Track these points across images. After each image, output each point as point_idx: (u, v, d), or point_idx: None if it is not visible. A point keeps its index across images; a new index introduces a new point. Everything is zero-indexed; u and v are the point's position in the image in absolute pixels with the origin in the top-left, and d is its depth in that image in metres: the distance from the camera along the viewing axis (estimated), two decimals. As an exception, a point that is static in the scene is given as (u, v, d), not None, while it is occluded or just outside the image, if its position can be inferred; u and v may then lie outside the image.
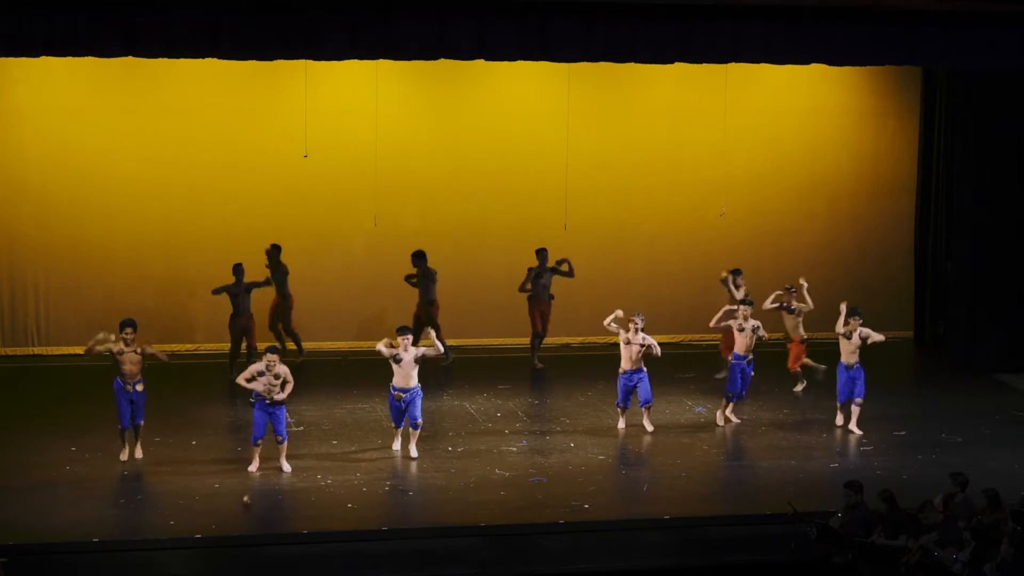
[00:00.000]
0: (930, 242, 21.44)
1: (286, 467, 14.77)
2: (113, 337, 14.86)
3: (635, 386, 16.15)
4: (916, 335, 21.41)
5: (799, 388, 17.86)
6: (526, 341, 19.52)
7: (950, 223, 20.79)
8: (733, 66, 16.94)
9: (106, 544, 12.79)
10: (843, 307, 16.39)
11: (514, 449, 15.78)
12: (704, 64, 16.16)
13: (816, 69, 17.91)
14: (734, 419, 16.62)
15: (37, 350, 19.78)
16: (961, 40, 15.94)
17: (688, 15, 15.42)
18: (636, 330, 15.97)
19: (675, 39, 15.56)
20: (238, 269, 18.29)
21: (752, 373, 16.58)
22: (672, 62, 15.99)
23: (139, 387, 14.88)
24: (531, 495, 14.26)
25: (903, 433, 16.44)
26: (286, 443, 14.82)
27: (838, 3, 15.50)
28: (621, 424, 16.39)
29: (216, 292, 18.33)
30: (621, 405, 16.37)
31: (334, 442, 15.89)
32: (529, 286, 18.97)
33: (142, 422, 14.99)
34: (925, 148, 21.41)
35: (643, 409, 16.22)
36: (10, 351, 19.75)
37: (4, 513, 13.35)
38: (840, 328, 16.31)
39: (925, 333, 21.44)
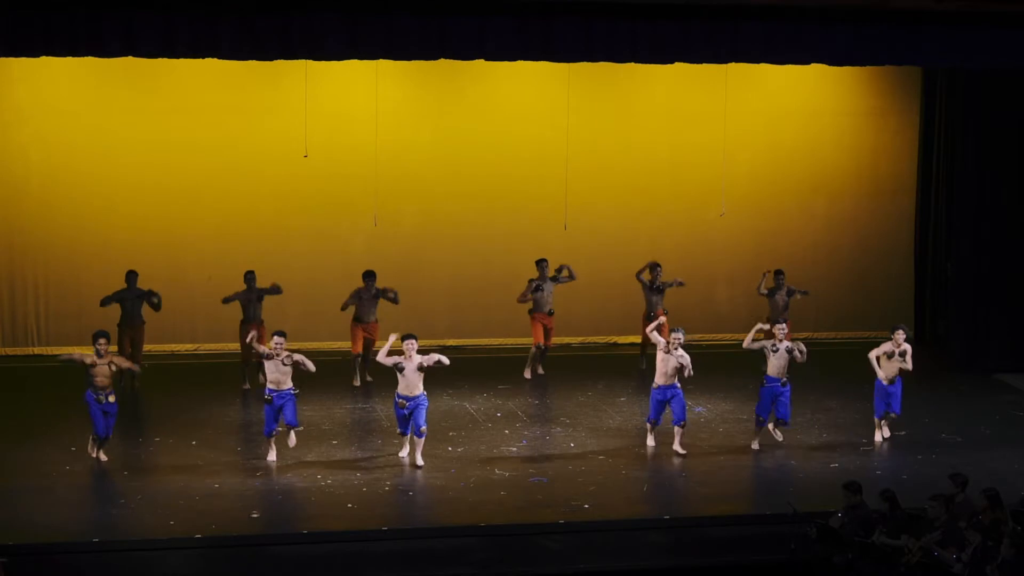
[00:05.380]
0: (930, 242, 21.46)
1: (292, 440, 15.09)
2: (87, 359, 14.60)
3: (668, 402, 15.52)
4: (916, 335, 21.40)
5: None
6: (526, 341, 19.44)
7: (950, 223, 20.79)
8: (733, 66, 16.93)
9: (106, 544, 12.79)
10: (898, 336, 15.84)
11: (514, 449, 15.78)
12: (704, 64, 16.15)
13: (816, 69, 17.91)
14: (778, 436, 16.00)
15: (37, 350, 19.79)
16: (962, 40, 15.94)
17: (688, 15, 15.42)
18: (676, 345, 15.44)
19: (675, 39, 15.55)
20: (250, 276, 17.99)
21: (788, 397, 15.81)
22: (672, 62, 15.98)
23: (111, 398, 14.61)
24: (531, 495, 14.25)
25: (903, 433, 16.42)
26: (294, 430, 15.07)
27: (839, 3, 15.50)
28: (651, 442, 15.79)
29: (227, 301, 17.85)
30: (652, 420, 15.70)
31: (334, 442, 15.88)
32: (530, 296, 18.80)
33: (110, 436, 14.77)
34: (925, 148, 21.44)
35: (677, 428, 15.58)
36: (10, 351, 19.77)
37: (4, 513, 13.34)
38: (885, 348, 15.87)
39: (925, 333, 21.45)
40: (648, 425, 15.87)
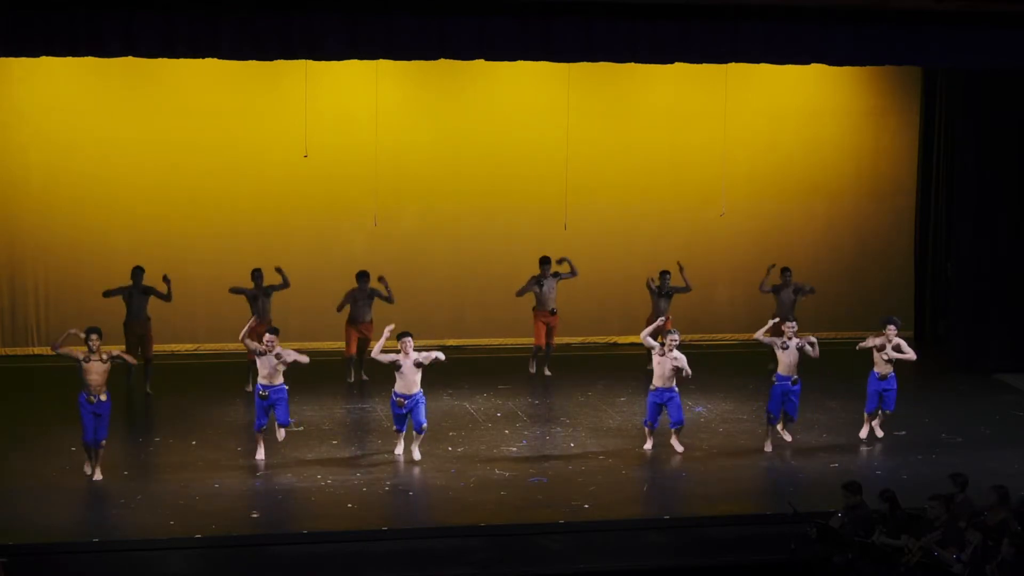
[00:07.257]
0: (930, 242, 21.47)
1: (280, 434, 15.03)
2: (83, 335, 14.32)
3: (664, 404, 15.46)
4: (916, 335, 21.40)
5: None
6: (526, 341, 19.47)
7: (950, 223, 20.80)
8: (733, 66, 16.94)
9: (106, 544, 12.79)
10: (889, 331, 15.71)
11: (514, 449, 15.78)
12: (704, 64, 16.15)
13: (816, 69, 17.92)
14: (787, 437, 15.94)
15: (37, 350, 19.77)
16: (962, 41, 15.95)
17: (688, 15, 15.43)
18: (671, 347, 15.35)
19: (675, 39, 15.56)
20: (256, 275, 17.85)
21: (799, 395, 15.69)
22: (672, 62, 15.99)
23: (103, 397, 14.35)
24: (531, 495, 14.26)
25: (903, 433, 16.43)
26: (284, 430, 15.04)
27: (839, 3, 15.51)
28: (648, 445, 15.65)
29: (233, 291, 17.85)
30: (649, 424, 15.57)
31: (334, 442, 15.89)
32: (530, 290, 18.72)
33: (104, 439, 14.39)
34: (925, 148, 21.45)
35: (673, 431, 15.58)
36: (10, 351, 19.77)
37: (4, 513, 13.35)
38: (874, 342, 15.76)
39: (925, 333, 21.45)
40: (646, 429, 15.78)
